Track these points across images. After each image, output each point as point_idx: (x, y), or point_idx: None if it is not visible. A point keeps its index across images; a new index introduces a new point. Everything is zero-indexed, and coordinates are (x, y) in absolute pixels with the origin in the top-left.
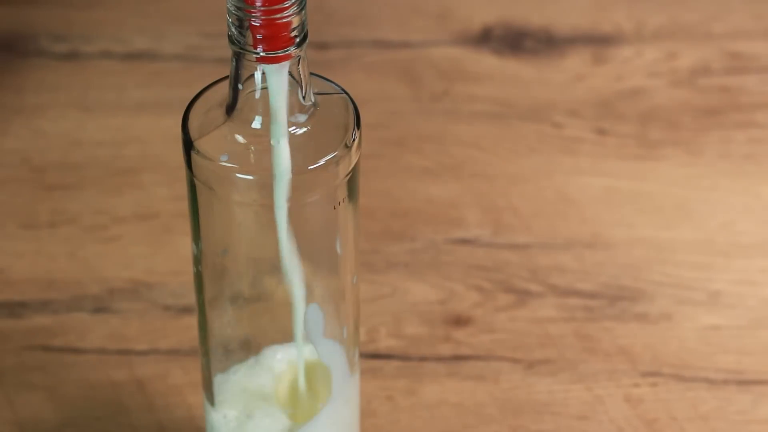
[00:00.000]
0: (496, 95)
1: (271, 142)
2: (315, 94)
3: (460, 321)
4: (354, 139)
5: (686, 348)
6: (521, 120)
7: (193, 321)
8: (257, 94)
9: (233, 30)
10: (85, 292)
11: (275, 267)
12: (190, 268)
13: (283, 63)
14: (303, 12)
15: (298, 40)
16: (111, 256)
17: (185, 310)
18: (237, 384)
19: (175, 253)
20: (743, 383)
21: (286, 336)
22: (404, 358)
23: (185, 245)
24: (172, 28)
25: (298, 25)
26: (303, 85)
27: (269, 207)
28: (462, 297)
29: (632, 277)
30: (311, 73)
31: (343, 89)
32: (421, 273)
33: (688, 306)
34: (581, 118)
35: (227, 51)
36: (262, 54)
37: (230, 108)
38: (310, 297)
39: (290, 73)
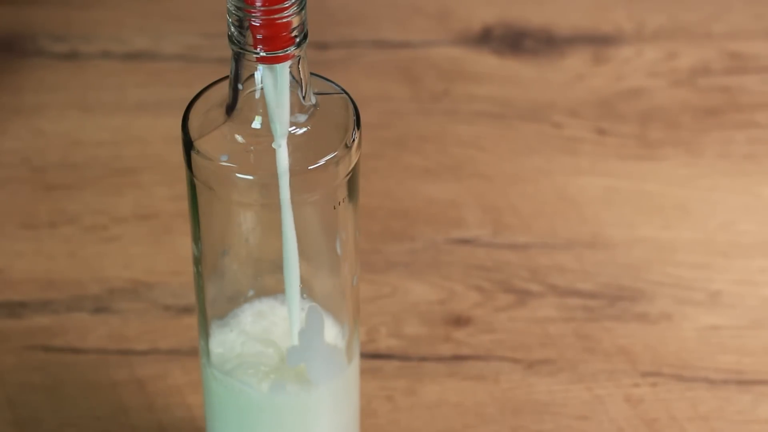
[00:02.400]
0: (496, 95)
1: (273, 145)
2: (315, 94)
3: (460, 321)
4: (354, 139)
5: (686, 348)
6: (521, 120)
7: (193, 321)
8: (257, 94)
9: (233, 30)
10: (85, 292)
11: (275, 267)
12: (190, 268)
13: (283, 63)
14: (303, 12)
15: (298, 40)
16: (111, 256)
17: (185, 310)
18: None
19: (175, 253)
20: (743, 383)
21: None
22: (404, 358)
23: (185, 245)
24: (172, 28)
25: (298, 25)
26: (303, 85)
27: (269, 207)
28: (462, 297)
29: (632, 277)
30: (311, 73)
31: (343, 89)
32: (421, 273)
33: (688, 306)
34: (581, 118)
35: (227, 51)
36: (262, 54)
37: (230, 108)
38: (309, 297)
39: (290, 73)
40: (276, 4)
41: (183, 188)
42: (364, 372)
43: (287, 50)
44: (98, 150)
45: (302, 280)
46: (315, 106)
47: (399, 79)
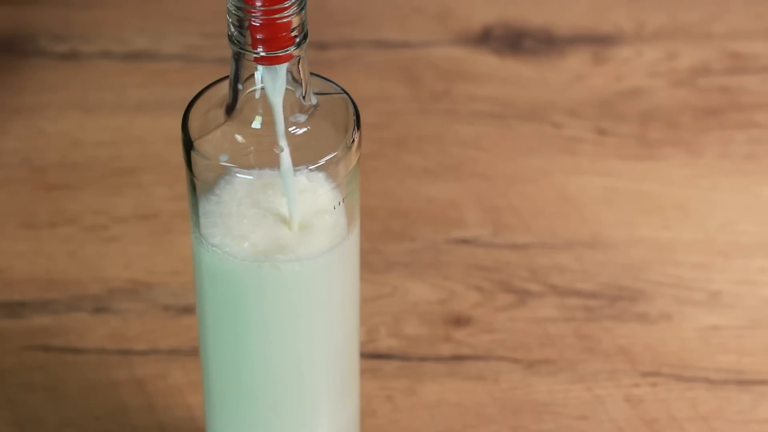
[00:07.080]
0: (496, 95)
1: (275, 150)
2: (315, 94)
3: (460, 321)
4: (354, 139)
5: (686, 348)
6: (521, 120)
7: (193, 321)
8: (257, 94)
9: (233, 30)
10: (85, 292)
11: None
12: (190, 268)
13: (283, 63)
14: (303, 12)
15: (298, 40)
16: (111, 256)
17: (185, 310)
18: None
19: (175, 253)
20: (743, 383)
21: None
22: (404, 358)
23: (185, 245)
24: (172, 28)
25: (298, 26)
26: (303, 85)
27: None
28: (462, 297)
29: (632, 277)
30: (311, 73)
31: (343, 89)
32: (421, 273)
33: (688, 306)
34: (581, 118)
35: (227, 51)
36: (262, 54)
37: (230, 108)
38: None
39: (290, 73)
40: (276, 4)
41: (183, 188)
42: (364, 372)
43: (287, 50)
44: (98, 150)
45: None
46: (315, 106)
47: (399, 79)
